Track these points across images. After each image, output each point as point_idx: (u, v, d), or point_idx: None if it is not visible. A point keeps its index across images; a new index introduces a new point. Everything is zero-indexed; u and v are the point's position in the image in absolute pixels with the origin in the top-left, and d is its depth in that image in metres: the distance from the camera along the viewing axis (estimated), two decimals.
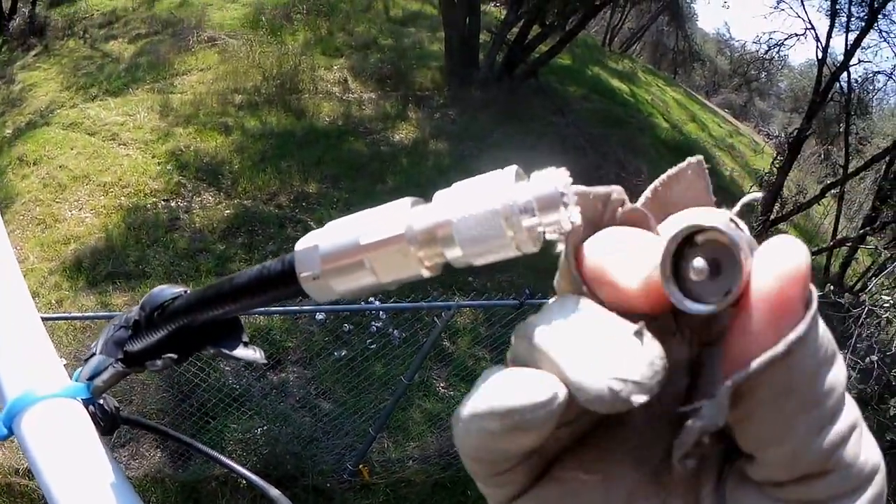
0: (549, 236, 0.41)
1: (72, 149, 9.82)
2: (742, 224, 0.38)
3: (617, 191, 0.41)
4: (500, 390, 0.36)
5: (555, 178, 0.40)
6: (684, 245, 0.36)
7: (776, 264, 0.33)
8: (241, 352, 0.66)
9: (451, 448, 6.09)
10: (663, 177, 0.42)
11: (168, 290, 0.67)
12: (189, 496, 5.48)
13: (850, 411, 0.34)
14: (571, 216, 0.40)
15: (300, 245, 0.48)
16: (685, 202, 0.42)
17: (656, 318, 0.37)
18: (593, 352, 0.35)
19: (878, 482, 0.35)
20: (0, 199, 8.68)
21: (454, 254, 0.43)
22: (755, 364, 0.32)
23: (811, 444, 0.33)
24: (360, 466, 5.79)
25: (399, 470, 5.95)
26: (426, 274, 0.44)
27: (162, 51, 12.92)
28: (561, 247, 0.40)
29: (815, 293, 0.34)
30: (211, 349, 0.66)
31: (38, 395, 0.72)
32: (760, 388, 0.32)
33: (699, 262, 0.35)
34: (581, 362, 0.35)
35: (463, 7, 13.02)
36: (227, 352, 0.65)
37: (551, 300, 0.40)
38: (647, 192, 0.43)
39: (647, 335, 0.35)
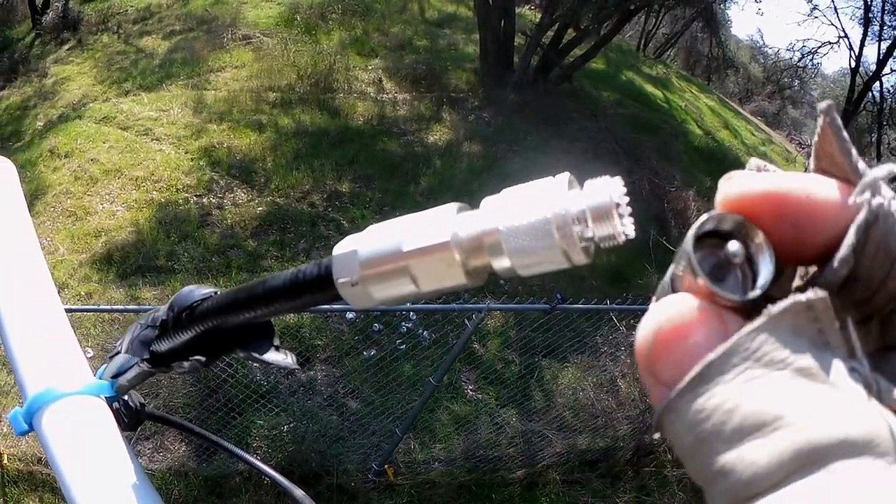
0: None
1: (104, 142, 9.86)
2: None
3: None
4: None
5: (609, 188, 0.39)
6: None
7: None
8: (272, 356, 0.64)
9: (478, 451, 6.08)
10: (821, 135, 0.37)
11: (197, 291, 0.65)
12: (212, 491, 5.48)
13: None
14: (625, 228, 0.38)
15: (338, 249, 0.47)
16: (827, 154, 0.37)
17: None
18: None
19: None
20: (31, 190, 8.70)
21: (501, 264, 0.41)
22: None
23: None
24: (385, 466, 5.78)
25: (424, 471, 5.93)
26: (469, 284, 0.43)
27: (196, 47, 12.98)
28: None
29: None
30: (241, 353, 0.65)
31: (60, 392, 0.71)
32: None
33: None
34: None
35: (498, 9, 13.04)
36: (257, 356, 0.63)
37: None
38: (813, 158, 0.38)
39: None
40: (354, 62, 13.09)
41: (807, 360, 0.31)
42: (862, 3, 13.96)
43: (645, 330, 0.34)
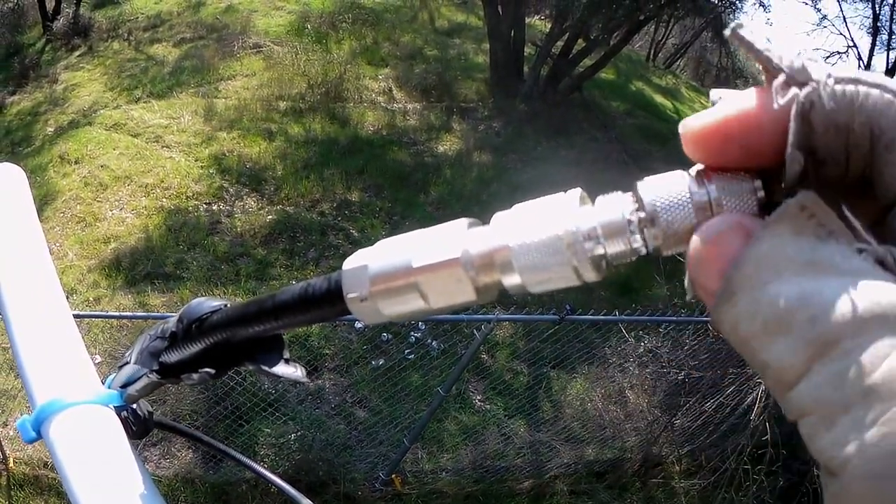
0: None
1: (114, 149, 9.89)
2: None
3: None
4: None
5: (621, 204, 0.39)
6: None
7: None
8: (282, 368, 0.64)
9: (485, 461, 6.07)
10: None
11: (207, 303, 0.65)
12: (219, 498, 5.49)
13: None
14: (637, 245, 0.39)
15: (348, 264, 0.47)
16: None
17: None
18: None
19: None
20: (40, 195, 8.73)
21: (512, 281, 0.41)
22: None
23: None
24: (393, 476, 5.78)
25: (431, 481, 5.93)
26: (480, 301, 0.43)
27: (206, 55, 13.01)
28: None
29: None
30: (250, 365, 0.64)
31: (68, 402, 0.70)
32: None
33: None
34: None
35: (508, 19, 13.06)
36: (266, 368, 0.63)
37: None
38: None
39: None
40: (365, 71, 13.10)
41: (809, 255, 0.33)
42: (871, 12, 13.99)
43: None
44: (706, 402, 5.99)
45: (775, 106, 0.35)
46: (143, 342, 0.71)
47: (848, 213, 0.35)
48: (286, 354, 0.64)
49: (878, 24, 13.42)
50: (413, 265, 0.42)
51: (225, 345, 0.62)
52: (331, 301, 0.48)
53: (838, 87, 0.34)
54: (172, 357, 0.67)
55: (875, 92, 0.34)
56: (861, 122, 0.33)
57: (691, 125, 0.38)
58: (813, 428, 0.31)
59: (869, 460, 0.29)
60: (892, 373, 0.29)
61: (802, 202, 0.34)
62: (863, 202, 0.37)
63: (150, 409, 0.78)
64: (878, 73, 0.35)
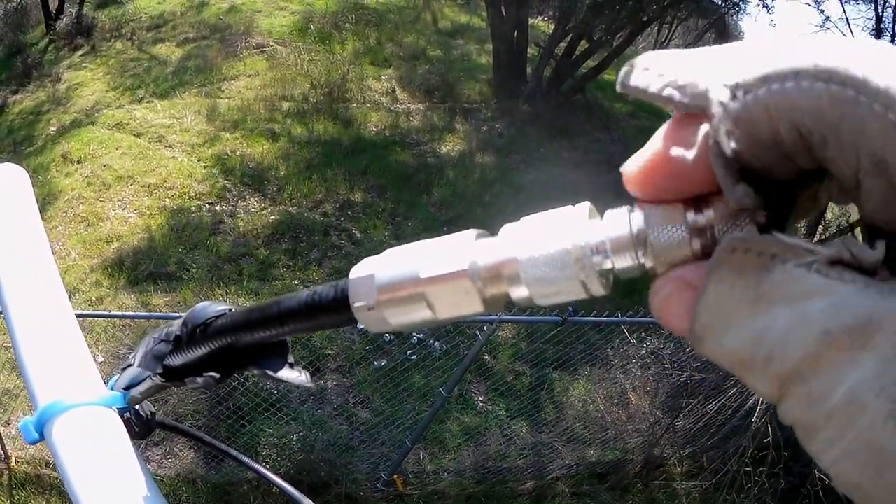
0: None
1: (117, 149, 9.90)
2: None
3: None
4: None
5: (629, 218, 0.39)
6: None
7: None
8: (286, 373, 0.64)
9: (487, 462, 6.07)
10: None
11: (212, 308, 0.66)
12: (220, 498, 5.49)
13: None
14: (645, 259, 0.38)
15: (355, 272, 0.47)
16: None
17: None
18: None
19: None
20: (43, 195, 8.74)
21: (520, 293, 0.41)
22: None
23: None
24: (395, 477, 5.79)
25: (433, 482, 5.93)
26: (486, 311, 0.43)
27: (210, 55, 13.01)
28: None
29: None
30: (255, 370, 0.65)
31: (71, 403, 0.71)
32: None
33: None
34: None
35: (511, 20, 13.05)
36: (271, 373, 0.64)
37: None
38: None
39: None
40: (368, 72, 13.10)
41: (755, 291, 0.33)
42: (873, 14, 13.97)
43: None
44: (708, 404, 5.99)
45: (689, 158, 0.35)
46: (146, 345, 0.72)
47: (793, 228, 0.37)
48: (290, 359, 0.65)
49: (881, 25, 13.42)
50: (421, 276, 0.43)
51: (229, 349, 0.63)
52: (337, 309, 0.49)
53: (748, 99, 0.33)
54: (176, 360, 0.68)
55: (790, 86, 0.32)
56: (786, 130, 0.32)
57: (627, 170, 0.38)
58: (801, 437, 0.32)
59: (843, 473, 0.31)
60: (848, 395, 0.30)
61: (733, 244, 0.34)
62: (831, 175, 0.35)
63: (153, 409, 0.79)
64: (792, 46, 0.33)
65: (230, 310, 0.64)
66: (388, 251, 0.46)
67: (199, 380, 0.66)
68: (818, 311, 0.31)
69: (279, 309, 0.54)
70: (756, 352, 0.32)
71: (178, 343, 0.67)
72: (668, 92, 0.36)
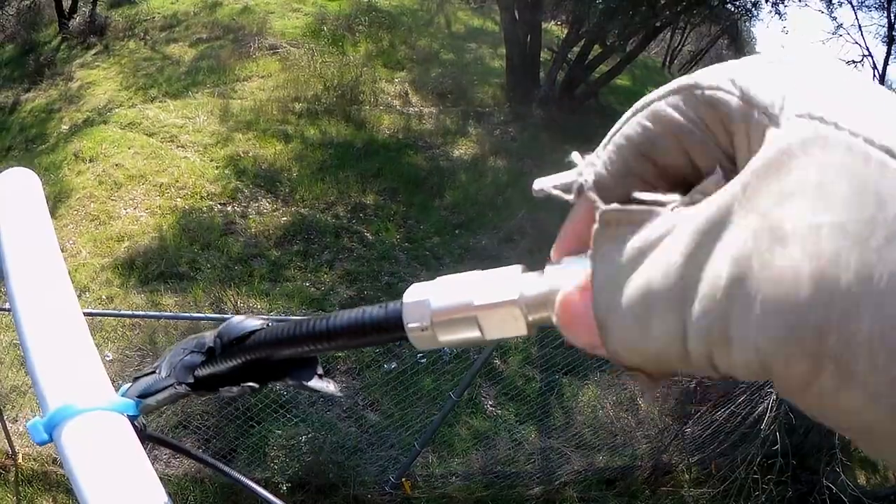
0: None
1: (129, 148, 9.92)
2: None
3: None
4: None
5: None
6: None
7: None
8: (317, 383, 0.67)
9: (495, 466, 6.06)
10: None
11: (248, 322, 0.68)
12: (228, 498, 5.49)
13: None
14: None
15: (409, 297, 0.51)
16: None
17: None
18: None
19: None
20: (54, 193, 8.75)
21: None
22: None
23: None
24: (403, 480, 5.78)
25: (441, 485, 5.92)
26: (529, 334, 0.48)
27: (223, 56, 13.04)
28: None
29: None
30: (290, 381, 0.68)
31: (83, 407, 0.71)
32: None
33: None
34: None
35: (524, 25, 13.06)
36: (305, 384, 0.67)
37: None
38: None
39: None
40: (381, 74, 13.13)
41: (633, 251, 0.36)
42: (886, 21, 13.95)
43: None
44: (717, 411, 5.98)
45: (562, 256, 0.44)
46: (175, 355, 0.74)
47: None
48: (319, 370, 0.68)
49: (894, 33, 13.40)
50: (475, 303, 0.47)
51: (261, 361, 0.66)
52: (389, 328, 0.53)
53: (612, 159, 0.41)
54: (206, 371, 0.71)
55: (642, 120, 0.40)
56: (659, 157, 0.38)
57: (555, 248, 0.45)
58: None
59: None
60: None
61: (605, 218, 0.38)
62: None
63: (145, 422, 0.80)
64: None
65: (267, 324, 0.66)
66: (439, 279, 0.51)
67: (236, 389, 0.70)
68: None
69: (328, 325, 0.58)
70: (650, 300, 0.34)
71: (211, 354, 0.70)
72: (569, 182, 0.44)
